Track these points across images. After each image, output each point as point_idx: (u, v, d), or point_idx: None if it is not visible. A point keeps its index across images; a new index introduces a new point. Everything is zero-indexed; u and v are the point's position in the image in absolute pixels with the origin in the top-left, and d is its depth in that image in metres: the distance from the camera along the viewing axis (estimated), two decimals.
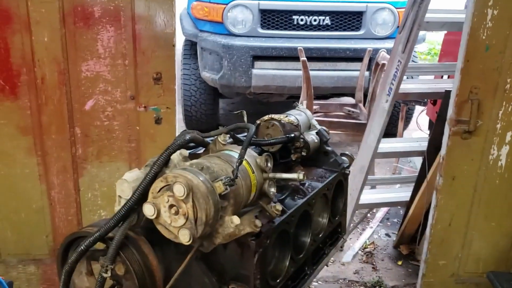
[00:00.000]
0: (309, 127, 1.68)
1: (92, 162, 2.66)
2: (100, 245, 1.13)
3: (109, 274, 1.06)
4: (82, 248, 1.07)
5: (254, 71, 5.20)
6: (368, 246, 3.87)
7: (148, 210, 1.03)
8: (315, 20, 5.31)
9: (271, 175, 1.25)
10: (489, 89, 2.51)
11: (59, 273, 1.13)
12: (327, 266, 1.65)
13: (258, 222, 1.14)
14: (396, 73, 3.20)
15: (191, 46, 5.75)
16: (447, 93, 3.05)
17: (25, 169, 2.63)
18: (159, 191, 1.04)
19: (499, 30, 2.39)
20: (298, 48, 4.65)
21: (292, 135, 1.54)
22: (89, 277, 1.20)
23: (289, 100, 5.62)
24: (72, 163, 2.65)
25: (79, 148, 2.63)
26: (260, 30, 5.27)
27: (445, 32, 4.86)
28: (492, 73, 2.48)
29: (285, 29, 5.32)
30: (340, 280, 3.45)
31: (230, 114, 6.67)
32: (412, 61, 5.48)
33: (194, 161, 1.13)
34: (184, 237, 1.02)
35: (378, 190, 4.38)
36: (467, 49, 2.42)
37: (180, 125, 5.53)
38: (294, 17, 5.29)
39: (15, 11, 2.34)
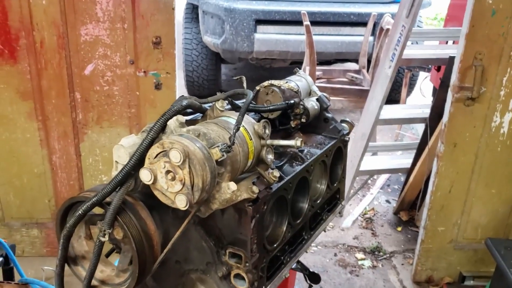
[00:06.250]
0: (310, 93, 1.65)
1: (93, 127, 2.66)
2: (100, 210, 1.14)
3: (106, 238, 1.07)
4: (80, 213, 1.07)
5: (257, 35, 5.13)
6: (368, 212, 3.90)
7: (144, 175, 1.03)
8: None
9: (268, 141, 1.24)
10: (494, 55, 2.47)
11: (58, 237, 1.14)
12: (324, 231, 1.67)
13: (255, 188, 1.14)
14: (399, 39, 3.15)
15: (192, 10, 5.66)
16: (451, 59, 3.01)
17: (26, 133, 2.63)
18: (155, 157, 1.03)
19: None
20: (302, 12, 4.57)
21: (292, 101, 1.52)
22: (88, 241, 1.22)
23: (292, 65, 5.55)
24: (72, 128, 2.65)
25: (80, 113, 2.63)
26: None
27: None
28: (498, 38, 2.44)
29: None
30: (340, 245, 3.49)
31: (232, 80, 6.60)
32: (417, 26, 5.40)
33: (191, 127, 1.12)
34: (180, 203, 1.02)
35: (379, 157, 4.39)
36: (473, 14, 2.37)
37: (182, 91, 5.50)
38: None
39: None
